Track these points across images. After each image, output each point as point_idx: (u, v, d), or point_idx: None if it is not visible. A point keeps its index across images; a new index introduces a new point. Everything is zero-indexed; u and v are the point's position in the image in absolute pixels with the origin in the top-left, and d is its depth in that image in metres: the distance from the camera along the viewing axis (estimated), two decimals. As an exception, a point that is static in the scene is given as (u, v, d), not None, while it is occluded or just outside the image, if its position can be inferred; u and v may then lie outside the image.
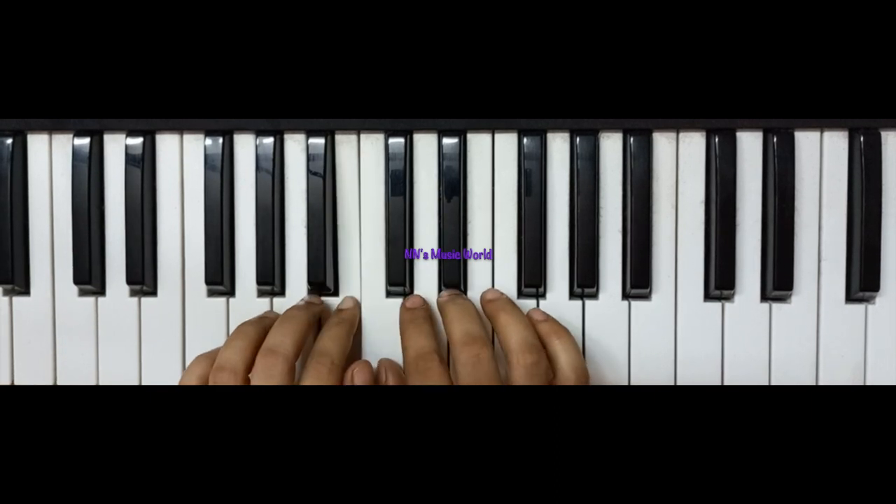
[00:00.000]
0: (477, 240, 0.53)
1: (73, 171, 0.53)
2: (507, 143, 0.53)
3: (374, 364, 0.52)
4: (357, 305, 0.54)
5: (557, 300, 0.53)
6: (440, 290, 0.54)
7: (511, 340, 0.48)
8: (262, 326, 0.49)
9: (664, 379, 0.53)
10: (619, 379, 0.53)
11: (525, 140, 0.53)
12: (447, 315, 0.50)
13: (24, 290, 0.55)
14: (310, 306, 0.52)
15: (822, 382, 0.52)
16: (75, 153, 0.53)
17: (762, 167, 0.53)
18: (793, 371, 0.53)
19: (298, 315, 0.50)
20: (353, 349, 0.54)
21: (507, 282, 0.53)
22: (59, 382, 0.54)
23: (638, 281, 0.52)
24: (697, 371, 0.53)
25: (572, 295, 0.53)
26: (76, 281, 0.54)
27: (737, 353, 0.53)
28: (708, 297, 0.53)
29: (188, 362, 0.53)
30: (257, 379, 0.45)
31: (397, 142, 0.53)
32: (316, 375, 0.46)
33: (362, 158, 0.54)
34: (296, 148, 0.54)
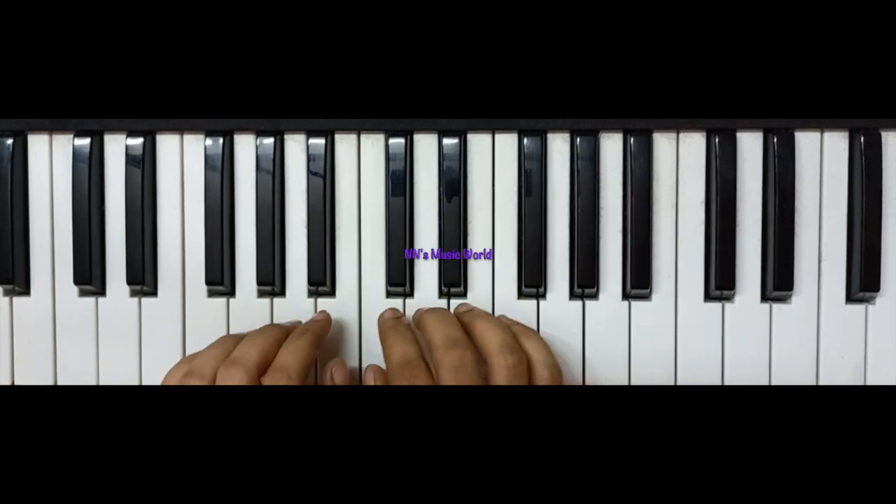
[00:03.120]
0: (477, 240, 0.53)
1: (73, 172, 0.53)
2: (507, 143, 0.53)
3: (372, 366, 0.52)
4: (328, 318, 0.53)
5: (557, 300, 0.53)
6: (440, 289, 0.54)
7: (490, 343, 0.47)
8: (240, 339, 0.49)
9: (664, 379, 0.53)
10: (620, 379, 0.53)
11: (525, 140, 0.53)
12: (425, 323, 0.50)
13: (25, 290, 0.55)
14: (292, 325, 0.52)
15: (822, 382, 0.52)
16: (76, 153, 0.53)
17: (762, 167, 0.53)
18: (793, 371, 0.53)
19: (270, 330, 0.50)
20: (353, 350, 0.54)
21: (507, 282, 0.53)
22: (60, 382, 0.54)
23: (638, 281, 0.52)
24: (698, 371, 0.53)
25: (572, 295, 0.53)
26: (76, 281, 0.54)
27: (737, 354, 0.53)
28: (708, 297, 0.53)
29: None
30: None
31: (397, 142, 0.53)
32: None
33: (362, 158, 0.54)
34: (296, 148, 0.54)
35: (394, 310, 0.53)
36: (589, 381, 0.53)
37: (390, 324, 0.51)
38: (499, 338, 0.47)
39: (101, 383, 0.54)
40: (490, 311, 0.53)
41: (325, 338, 0.52)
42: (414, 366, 0.46)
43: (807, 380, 0.52)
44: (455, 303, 0.53)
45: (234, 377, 0.45)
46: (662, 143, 0.53)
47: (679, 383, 0.53)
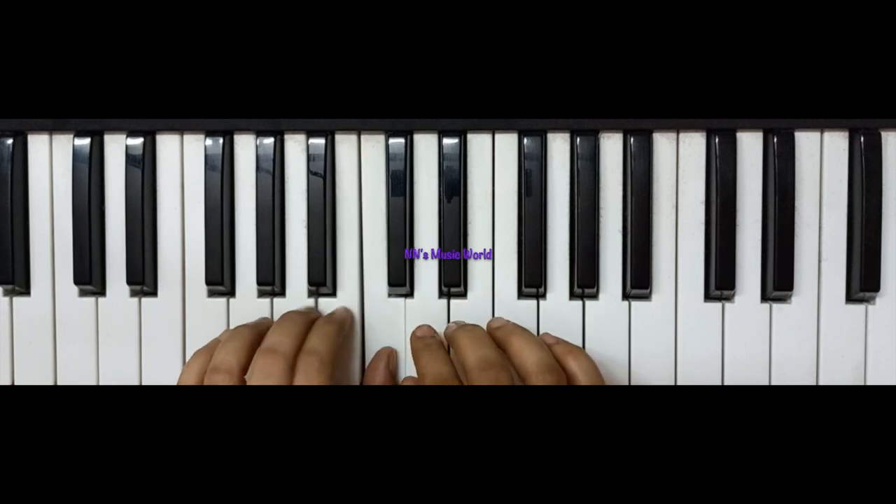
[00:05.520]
0: (477, 240, 0.53)
1: (73, 172, 0.53)
2: (507, 143, 0.53)
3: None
4: (349, 312, 0.53)
5: (557, 301, 0.53)
6: (440, 290, 0.54)
7: (528, 362, 0.46)
8: (258, 329, 0.49)
9: (664, 379, 0.53)
10: (619, 379, 0.53)
11: (525, 140, 0.53)
12: (459, 343, 0.48)
13: (25, 290, 0.55)
14: (308, 311, 0.52)
15: (822, 382, 0.52)
16: (76, 153, 0.53)
17: (762, 167, 0.53)
18: (793, 371, 0.53)
19: (296, 317, 0.50)
20: (354, 351, 0.54)
21: (507, 282, 0.53)
22: (59, 382, 0.54)
23: (638, 281, 0.52)
24: (698, 371, 0.53)
25: (572, 295, 0.53)
26: (76, 281, 0.54)
27: (737, 354, 0.53)
28: (708, 297, 0.53)
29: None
30: (255, 378, 0.45)
31: (398, 142, 0.53)
32: (305, 374, 0.45)
33: (362, 158, 0.54)
34: (296, 148, 0.54)
35: (428, 327, 0.53)
36: (589, 381, 0.53)
37: (423, 343, 0.50)
38: (536, 357, 0.46)
39: (101, 383, 0.54)
40: (490, 311, 0.53)
41: (347, 328, 0.53)
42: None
43: (807, 380, 0.52)
44: (455, 303, 0.53)
45: (275, 365, 0.45)
46: (662, 143, 0.53)
47: (679, 383, 0.53)
